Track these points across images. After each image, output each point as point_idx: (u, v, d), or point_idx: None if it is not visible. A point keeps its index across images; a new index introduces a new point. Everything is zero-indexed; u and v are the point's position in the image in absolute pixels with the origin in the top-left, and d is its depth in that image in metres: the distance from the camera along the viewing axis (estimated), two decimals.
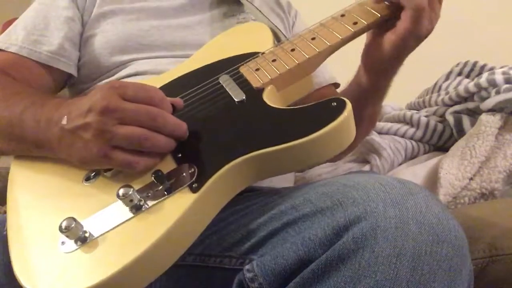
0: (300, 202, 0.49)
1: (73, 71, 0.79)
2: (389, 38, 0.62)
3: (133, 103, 0.52)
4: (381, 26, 0.64)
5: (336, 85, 0.94)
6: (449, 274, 0.41)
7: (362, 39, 0.67)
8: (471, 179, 0.81)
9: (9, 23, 0.85)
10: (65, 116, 0.54)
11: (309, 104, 0.54)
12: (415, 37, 0.60)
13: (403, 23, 0.59)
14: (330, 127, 0.50)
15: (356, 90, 0.72)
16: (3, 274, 0.55)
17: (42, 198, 0.56)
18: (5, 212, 0.57)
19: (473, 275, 0.46)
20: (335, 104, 0.52)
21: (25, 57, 0.75)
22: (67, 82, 0.82)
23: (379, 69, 0.67)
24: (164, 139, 0.53)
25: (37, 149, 0.59)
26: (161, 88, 0.65)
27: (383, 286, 0.40)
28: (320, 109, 0.53)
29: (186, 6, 0.85)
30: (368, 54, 0.67)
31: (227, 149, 0.53)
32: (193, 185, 0.50)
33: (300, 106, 0.55)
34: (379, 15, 0.62)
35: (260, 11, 0.82)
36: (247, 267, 0.49)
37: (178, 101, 0.58)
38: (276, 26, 0.77)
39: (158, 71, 0.75)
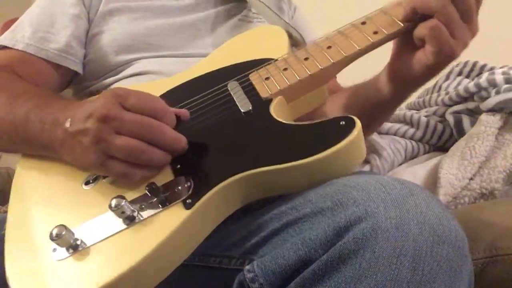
0: (300, 202, 0.49)
1: (79, 68, 0.79)
2: (421, 58, 0.58)
3: (133, 114, 0.51)
4: (407, 37, 0.59)
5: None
6: (449, 274, 0.41)
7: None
8: (471, 179, 0.81)
9: (9, 23, 0.85)
10: (69, 119, 0.54)
11: (316, 121, 0.52)
12: (449, 56, 0.57)
13: (431, 47, 0.56)
14: (336, 148, 0.48)
15: (374, 97, 0.69)
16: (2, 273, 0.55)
17: (41, 201, 0.56)
18: (5, 212, 0.57)
19: (473, 275, 0.46)
20: (343, 123, 0.50)
21: (32, 55, 0.75)
22: (73, 80, 0.82)
23: (408, 83, 0.64)
24: (160, 154, 0.52)
25: (41, 150, 0.59)
26: (170, 91, 0.64)
27: (383, 287, 0.40)
28: (328, 128, 0.50)
29: (192, 6, 0.85)
30: (397, 68, 0.63)
31: (226, 164, 0.52)
32: (187, 201, 0.49)
33: (307, 122, 0.53)
34: (402, 25, 0.57)
35: (270, 8, 0.81)
36: (247, 267, 0.49)
37: (184, 112, 0.57)
38: (286, 21, 0.77)
39: (163, 71, 0.75)
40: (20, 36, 0.76)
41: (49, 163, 0.59)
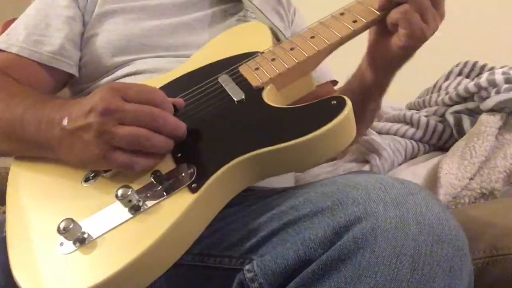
0: (300, 202, 0.49)
1: (74, 71, 0.78)
2: (395, 42, 0.63)
3: (134, 104, 0.52)
4: (382, 24, 0.64)
5: (334, 82, 0.94)
6: (449, 274, 0.41)
7: (361, 38, 0.67)
8: (471, 179, 0.81)
9: (9, 23, 0.85)
10: (66, 117, 0.54)
11: (309, 102, 0.54)
12: (420, 39, 0.61)
13: (403, 30, 0.60)
14: (329, 125, 0.50)
15: (359, 86, 0.72)
16: (2, 275, 0.55)
17: (41, 199, 0.56)
18: (4, 212, 0.57)
19: (473, 275, 0.46)
20: (335, 102, 0.52)
21: (26, 58, 0.75)
22: (68, 82, 0.82)
23: (386, 67, 0.68)
24: (163, 140, 0.53)
25: (38, 149, 0.59)
26: (162, 88, 0.65)
27: (383, 286, 0.40)
28: (320, 108, 0.53)
29: (188, 4, 0.85)
30: (374, 54, 0.67)
31: (226, 149, 0.53)
32: (192, 185, 0.50)
33: (300, 105, 0.55)
34: (378, 13, 0.62)
35: (260, 10, 0.82)
36: (247, 267, 0.49)
37: (179, 101, 0.58)
38: (275, 25, 0.78)
39: (158, 70, 0.75)
40: (14, 39, 0.76)
41: (44, 163, 0.59)
